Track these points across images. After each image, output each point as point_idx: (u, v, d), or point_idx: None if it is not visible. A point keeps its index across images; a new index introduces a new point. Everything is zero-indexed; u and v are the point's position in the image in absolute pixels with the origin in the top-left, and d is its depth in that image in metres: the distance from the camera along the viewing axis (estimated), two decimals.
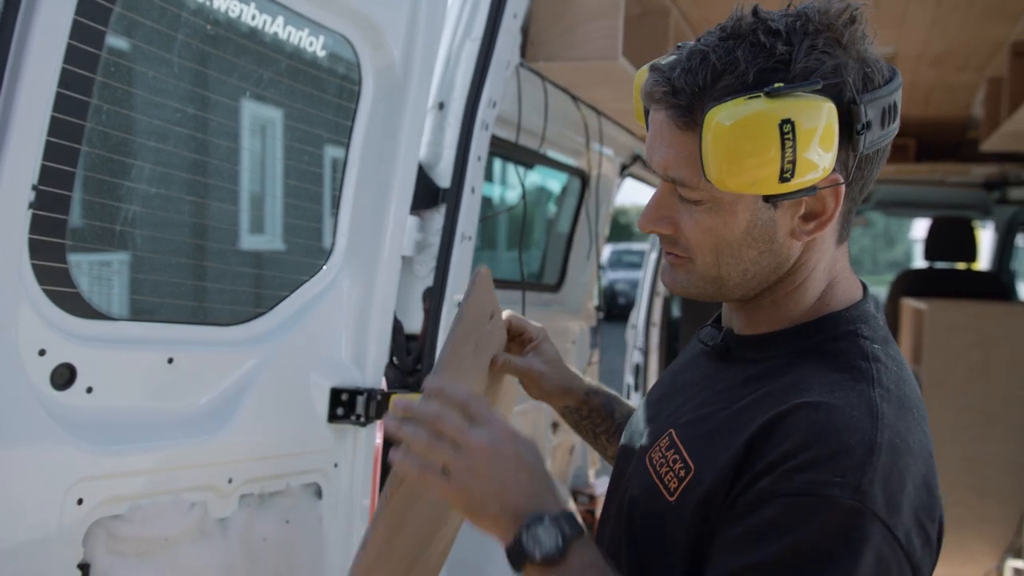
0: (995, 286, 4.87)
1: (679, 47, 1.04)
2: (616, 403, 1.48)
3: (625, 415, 1.46)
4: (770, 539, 0.91)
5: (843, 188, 1.01)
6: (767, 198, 0.99)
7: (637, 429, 1.22)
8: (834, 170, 0.98)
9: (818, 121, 0.93)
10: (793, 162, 0.93)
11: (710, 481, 0.99)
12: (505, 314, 1.42)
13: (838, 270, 1.09)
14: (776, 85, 0.93)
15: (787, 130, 0.92)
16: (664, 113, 1.01)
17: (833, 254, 1.08)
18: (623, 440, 1.27)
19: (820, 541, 0.90)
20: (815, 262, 1.07)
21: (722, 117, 0.93)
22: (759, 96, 0.93)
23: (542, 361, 1.40)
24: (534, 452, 1.03)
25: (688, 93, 0.97)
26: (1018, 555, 3.61)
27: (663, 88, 0.99)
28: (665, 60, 1.03)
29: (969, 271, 4.98)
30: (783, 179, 0.94)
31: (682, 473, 1.03)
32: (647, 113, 1.08)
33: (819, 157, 0.94)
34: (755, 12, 0.99)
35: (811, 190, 0.97)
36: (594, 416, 1.43)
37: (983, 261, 5.77)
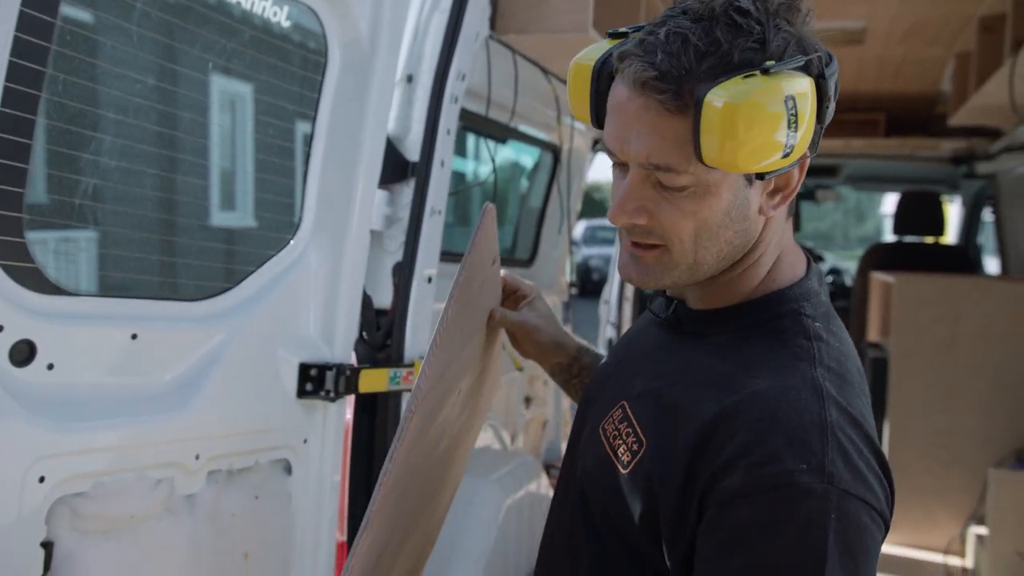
0: (962, 260, 4.93)
1: (624, 33, 1.04)
2: None
3: None
4: (754, 540, 0.93)
5: (808, 162, 1.04)
6: (754, 176, 1.00)
7: (591, 398, 1.23)
8: None
9: (809, 96, 0.96)
10: (796, 137, 0.95)
11: (663, 458, 1.01)
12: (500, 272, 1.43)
13: (786, 242, 1.12)
14: (768, 63, 0.94)
15: (791, 106, 0.94)
16: (647, 99, 0.97)
17: (783, 226, 1.11)
18: (579, 408, 1.28)
19: (802, 532, 0.91)
20: (771, 236, 1.09)
21: (729, 96, 0.92)
22: (755, 75, 0.93)
23: (536, 316, 1.42)
24: None
25: (676, 76, 0.95)
26: (981, 522, 3.68)
27: (650, 73, 0.96)
28: (624, 46, 1.01)
29: (937, 245, 5.04)
30: (785, 154, 0.96)
31: (635, 447, 1.05)
32: (595, 100, 1.07)
33: (807, 131, 0.97)
34: None
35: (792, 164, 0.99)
36: (583, 375, 1.44)
37: (951, 235, 5.83)
